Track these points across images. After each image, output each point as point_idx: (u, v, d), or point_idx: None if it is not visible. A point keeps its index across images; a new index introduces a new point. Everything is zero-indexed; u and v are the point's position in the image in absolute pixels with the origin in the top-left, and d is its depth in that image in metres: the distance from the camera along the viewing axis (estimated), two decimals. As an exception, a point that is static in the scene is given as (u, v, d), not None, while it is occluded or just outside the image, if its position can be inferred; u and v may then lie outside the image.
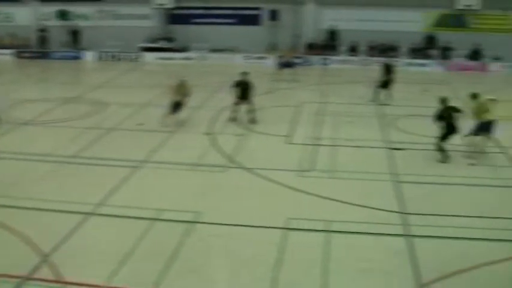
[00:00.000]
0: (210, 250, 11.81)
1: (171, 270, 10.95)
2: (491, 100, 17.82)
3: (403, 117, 22.41)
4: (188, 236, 12.31)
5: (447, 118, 17.36)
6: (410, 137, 19.74)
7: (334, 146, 18.74)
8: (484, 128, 17.54)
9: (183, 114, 20.65)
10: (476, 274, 11.12)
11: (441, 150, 17.65)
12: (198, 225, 12.88)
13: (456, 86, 28.21)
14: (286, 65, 28.82)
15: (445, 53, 34.18)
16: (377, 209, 13.88)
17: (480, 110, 17.53)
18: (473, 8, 34.10)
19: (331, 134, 19.98)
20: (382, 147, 18.69)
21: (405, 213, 13.66)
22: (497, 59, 34.17)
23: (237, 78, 21.15)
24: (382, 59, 27.87)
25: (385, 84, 24.74)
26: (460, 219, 13.44)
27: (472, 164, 17.26)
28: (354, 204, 14.09)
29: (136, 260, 11.30)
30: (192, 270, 11.05)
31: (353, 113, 22.77)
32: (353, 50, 34.64)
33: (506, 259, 11.64)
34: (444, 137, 17.52)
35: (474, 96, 17.89)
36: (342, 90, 27.52)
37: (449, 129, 17.39)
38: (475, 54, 34.17)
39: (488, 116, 17.48)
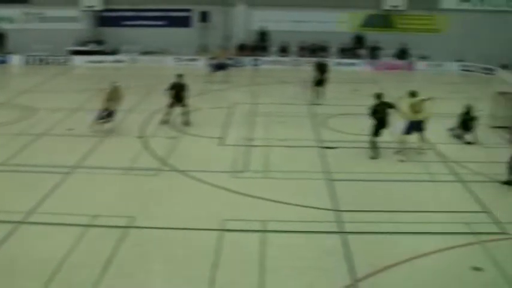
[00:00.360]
0: (145, 254, 11.74)
1: (106, 277, 10.82)
2: (426, 100, 18.31)
3: (334, 117, 22.83)
4: (123, 241, 12.20)
5: (380, 113, 17.91)
6: (342, 136, 20.14)
7: (267, 146, 18.91)
8: (415, 127, 18.09)
9: (114, 118, 20.36)
10: (408, 267, 11.47)
11: (373, 146, 18.15)
12: (133, 229, 12.77)
13: (384, 84, 28.90)
14: (219, 66, 28.84)
15: (373, 52, 35.03)
16: (311, 207, 14.12)
17: (412, 109, 18.06)
18: (399, 8, 35.05)
19: (264, 135, 20.16)
20: (314, 146, 18.99)
21: (338, 211, 13.94)
22: (423, 58, 35.28)
23: (172, 80, 21.00)
24: (316, 59, 28.26)
25: (320, 83, 25.13)
26: (392, 214, 13.86)
27: (402, 160, 17.76)
28: (288, 204, 14.27)
29: (69, 268, 11.10)
30: (128, 276, 10.96)
31: (285, 113, 23.03)
32: (283, 50, 35.03)
33: (436, 251, 12.06)
34: (376, 132, 18.04)
35: (412, 94, 18.40)
36: (273, 91, 27.79)
37: (381, 124, 17.96)
38: (402, 54, 35.15)
39: (419, 116, 18.02)
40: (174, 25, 35.91)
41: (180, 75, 20.98)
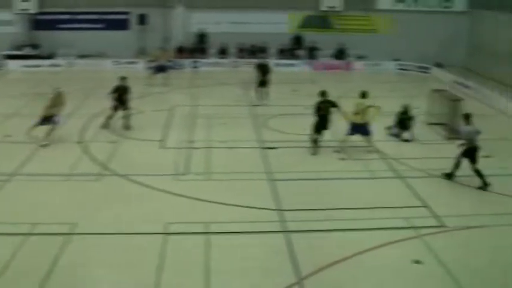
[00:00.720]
0: (88, 261, 11.57)
1: (48, 287, 10.64)
2: (372, 106, 18.50)
3: (275, 117, 23.01)
4: (65, 248, 11.99)
5: (323, 110, 18.28)
6: (282, 136, 20.33)
7: (209, 148, 18.90)
8: (358, 129, 18.44)
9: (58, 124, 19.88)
10: (351, 263, 11.70)
11: (314, 142, 18.49)
12: (75, 236, 12.57)
13: (323, 84, 28.99)
14: (159, 68, 28.65)
15: (312, 53, 35.43)
16: (254, 207, 14.22)
17: (355, 110, 18.40)
18: (336, 9, 35.58)
19: (205, 137, 20.14)
20: (256, 147, 19.10)
21: (282, 210, 14.08)
22: (360, 57, 35.92)
23: (115, 83, 20.71)
24: (257, 60, 28.42)
25: (262, 84, 25.35)
26: (334, 211, 14.10)
27: (342, 159, 18.05)
28: (231, 205, 14.32)
29: (9, 279, 10.84)
30: (71, 284, 10.80)
31: (225, 115, 23.06)
32: (223, 52, 35.05)
33: (378, 246, 12.34)
34: (317, 129, 18.38)
35: (363, 94, 18.68)
36: (214, 93, 27.79)
37: (323, 122, 18.33)
38: (340, 54, 35.70)
39: (359, 119, 18.33)
40: (111, 28, 35.40)
41: (123, 78, 20.75)
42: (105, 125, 20.62)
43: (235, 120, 22.46)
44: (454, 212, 14.26)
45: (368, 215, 13.98)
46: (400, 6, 36.46)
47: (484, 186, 15.85)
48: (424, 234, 12.94)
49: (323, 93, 18.67)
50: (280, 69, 33.38)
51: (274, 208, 14.24)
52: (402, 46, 35.37)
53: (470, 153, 15.94)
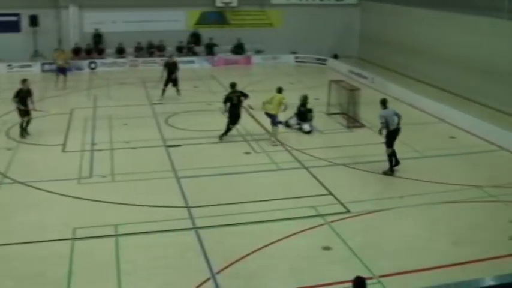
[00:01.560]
0: (-8, 273, 11.15)
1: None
2: (280, 102, 19.07)
3: (177, 114, 22.91)
4: (-35, 261, 11.49)
5: (233, 100, 19.21)
6: (186, 133, 20.29)
7: (112, 149, 18.58)
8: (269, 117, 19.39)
9: None
10: (262, 254, 11.85)
11: (227, 130, 19.27)
12: (-25, 248, 12.06)
13: (224, 80, 29.35)
14: (61, 70, 27.78)
15: (210, 49, 35.40)
16: (161, 206, 14.12)
17: (268, 101, 19.21)
18: (231, 5, 35.74)
19: (107, 138, 19.73)
20: (160, 146, 18.94)
21: (190, 207, 14.06)
22: (258, 51, 36.30)
23: (18, 87, 19.82)
24: (165, 58, 28.32)
25: (170, 82, 25.39)
26: (242, 205, 14.23)
27: (248, 152, 18.21)
28: (139, 205, 14.17)
29: None
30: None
31: (127, 115, 22.67)
32: (120, 52, 34.36)
33: (287, 236, 12.58)
34: (230, 118, 19.21)
35: (279, 90, 19.43)
36: (113, 93, 27.20)
37: (235, 112, 19.24)
38: (238, 49, 35.90)
39: (271, 110, 19.08)
40: (1, 31, 33.88)
41: (24, 80, 19.95)
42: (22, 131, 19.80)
43: (136, 120, 22.12)
44: (358, 197, 14.76)
45: (276, 206, 14.20)
46: (294, 0, 37.10)
47: (390, 172, 16.49)
48: (332, 221, 13.31)
49: (233, 85, 19.57)
50: (179, 66, 33.26)
51: (182, 206, 14.20)
52: (299, 39, 36.15)
53: (393, 135, 16.44)
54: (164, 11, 34.71)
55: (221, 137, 19.35)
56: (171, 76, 25.35)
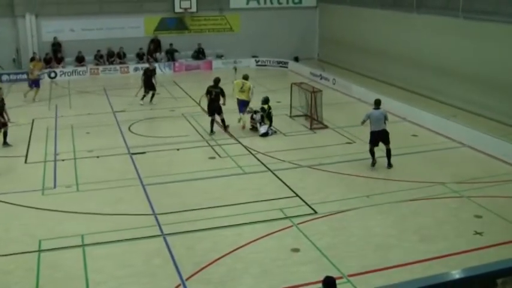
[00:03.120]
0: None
1: None
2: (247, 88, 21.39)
3: (140, 121, 22.77)
4: None
5: (211, 94, 20.73)
6: (150, 140, 20.19)
7: (76, 158, 18.36)
8: (241, 105, 21.39)
9: None
10: (231, 258, 11.89)
11: (211, 123, 20.83)
12: None
13: (186, 85, 29.38)
14: (35, 82, 27.10)
15: (171, 55, 35.26)
16: (128, 214, 14.04)
17: (240, 89, 21.42)
18: (190, 10, 35.64)
19: (70, 147, 19.48)
20: (124, 154, 18.80)
21: (157, 214, 14.00)
22: (219, 56, 36.31)
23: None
24: (146, 65, 28.68)
25: (149, 88, 25.46)
26: (210, 210, 14.25)
27: (212, 157, 18.19)
28: (105, 214, 14.08)
29: None
30: None
31: (89, 124, 22.43)
32: (80, 60, 33.95)
33: (256, 239, 12.65)
34: (209, 111, 21.04)
35: (245, 77, 21.92)
36: (74, 102, 26.86)
37: (212, 104, 20.86)
38: (199, 54, 35.84)
39: (243, 96, 21.34)
40: (-44, 41, 33.17)
41: None
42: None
43: (99, 129, 21.89)
44: (324, 198, 14.90)
45: (243, 209, 14.25)
46: (253, 4, 37.23)
47: (389, 166, 17.20)
48: (299, 223, 13.41)
49: (215, 81, 21.04)
50: (140, 73, 33.08)
51: (149, 213, 14.13)
52: (259, 42, 36.32)
53: (379, 136, 17.04)
54: (123, 18, 34.44)
55: (225, 128, 21.11)
56: (150, 82, 25.41)
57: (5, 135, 19.73)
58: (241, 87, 21.43)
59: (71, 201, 14.95)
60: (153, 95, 25.75)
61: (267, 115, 20.86)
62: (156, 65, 31.72)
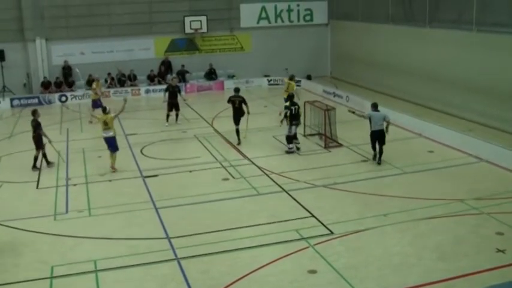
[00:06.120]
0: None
1: None
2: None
3: (153, 144, 22.78)
4: None
5: (235, 103, 21.97)
6: (162, 163, 20.17)
7: (88, 183, 18.39)
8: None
9: None
10: (247, 281, 11.76)
11: (236, 133, 22.03)
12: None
13: (198, 106, 29.38)
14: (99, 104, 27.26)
15: (182, 76, 35.34)
16: (142, 239, 13.98)
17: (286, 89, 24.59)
18: (201, 31, 35.80)
19: (82, 172, 19.51)
20: (137, 177, 18.78)
21: (170, 238, 13.91)
22: (231, 76, 36.40)
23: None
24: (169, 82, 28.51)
25: (174, 106, 25.69)
26: (225, 232, 14.12)
27: (226, 179, 18.11)
28: (118, 239, 14.03)
29: None
30: None
31: (100, 147, 22.22)
32: (90, 83, 34.03)
33: (272, 261, 12.52)
34: (234, 120, 22.15)
35: (291, 77, 25.88)
36: (85, 126, 26.97)
37: (236, 113, 22.06)
38: (210, 74, 35.95)
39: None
40: (-32, 66, 33.46)
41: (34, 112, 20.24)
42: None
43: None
44: (340, 218, 14.76)
45: (259, 231, 14.14)
46: (264, 23, 37.35)
47: (379, 161, 19.02)
48: (316, 244, 13.26)
49: (236, 90, 22.50)
50: (151, 95, 33.32)
51: (162, 237, 14.06)
52: (271, 62, 36.39)
53: (377, 135, 18.98)
54: (133, 40, 34.69)
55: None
56: (174, 100, 25.53)
57: (44, 156, 20.11)
58: (287, 86, 25.27)
59: (84, 226, 14.92)
60: (177, 115, 25.87)
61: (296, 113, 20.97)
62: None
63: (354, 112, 20.79)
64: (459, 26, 25.15)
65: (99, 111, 24.06)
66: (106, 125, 19.35)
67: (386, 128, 19.14)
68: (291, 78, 26.06)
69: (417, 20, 28.33)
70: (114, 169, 19.35)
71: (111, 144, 19.58)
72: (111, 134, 19.47)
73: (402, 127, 23.31)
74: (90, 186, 18.13)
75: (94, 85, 28.08)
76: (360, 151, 20.52)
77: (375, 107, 19.47)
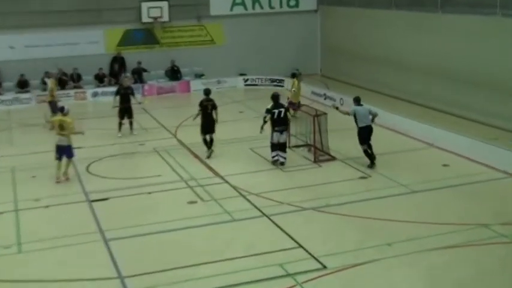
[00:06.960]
0: None
1: None
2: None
3: (102, 160, 22.54)
4: None
5: (206, 108, 21.99)
6: (114, 183, 19.96)
7: (18, 210, 18.06)
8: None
9: None
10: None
11: (204, 143, 21.90)
12: None
13: (157, 113, 29.27)
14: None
15: (139, 76, 35.06)
16: (88, 279, 13.68)
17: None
18: (161, 20, 35.58)
19: (11, 197, 19.13)
20: (80, 201, 18.52)
21: (124, 277, 13.66)
22: (200, 75, 36.22)
23: None
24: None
25: (126, 113, 25.69)
26: (190, 269, 13.92)
27: (193, 202, 17.93)
28: (56, 281, 13.70)
29: None
30: None
31: (35, 165, 22.03)
32: (23, 85, 33.57)
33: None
34: (203, 129, 22.09)
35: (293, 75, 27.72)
36: (16, 138, 26.65)
37: (206, 121, 22.01)
38: (173, 73, 35.73)
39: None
40: None
41: None
42: None
43: (48, 171, 21.37)
44: (335, 249, 14.64)
45: (233, 267, 13.95)
46: (239, 10, 37.30)
47: (371, 164, 20.08)
48: (305, 281, 13.07)
49: (207, 92, 22.46)
50: (100, 99, 33.08)
51: (113, 276, 13.80)
52: (248, 58, 36.36)
53: (367, 132, 20.09)
54: (77, 31, 34.31)
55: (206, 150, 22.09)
56: (126, 104, 25.42)
57: None
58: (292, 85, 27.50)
59: (10, 267, 14.55)
60: (131, 123, 25.73)
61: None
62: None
63: (337, 108, 22.10)
64: (479, 10, 25.16)
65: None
66: (62, 130, 19.42)
67: (372, 120, 20.46)
68: (294, 75, 27.76)
69: (426, 3, 28.41)
70: (67, 177, 19.56)
71: (66, 152, 19.85)
72: (65, 143, 19.65)
73: (409, 135, 23.33)
74: (20, 214, 17.80)
75: (50, 84, 27.88)
76: (357, 165, 20.50)
77: (357, 101, 20.79)
